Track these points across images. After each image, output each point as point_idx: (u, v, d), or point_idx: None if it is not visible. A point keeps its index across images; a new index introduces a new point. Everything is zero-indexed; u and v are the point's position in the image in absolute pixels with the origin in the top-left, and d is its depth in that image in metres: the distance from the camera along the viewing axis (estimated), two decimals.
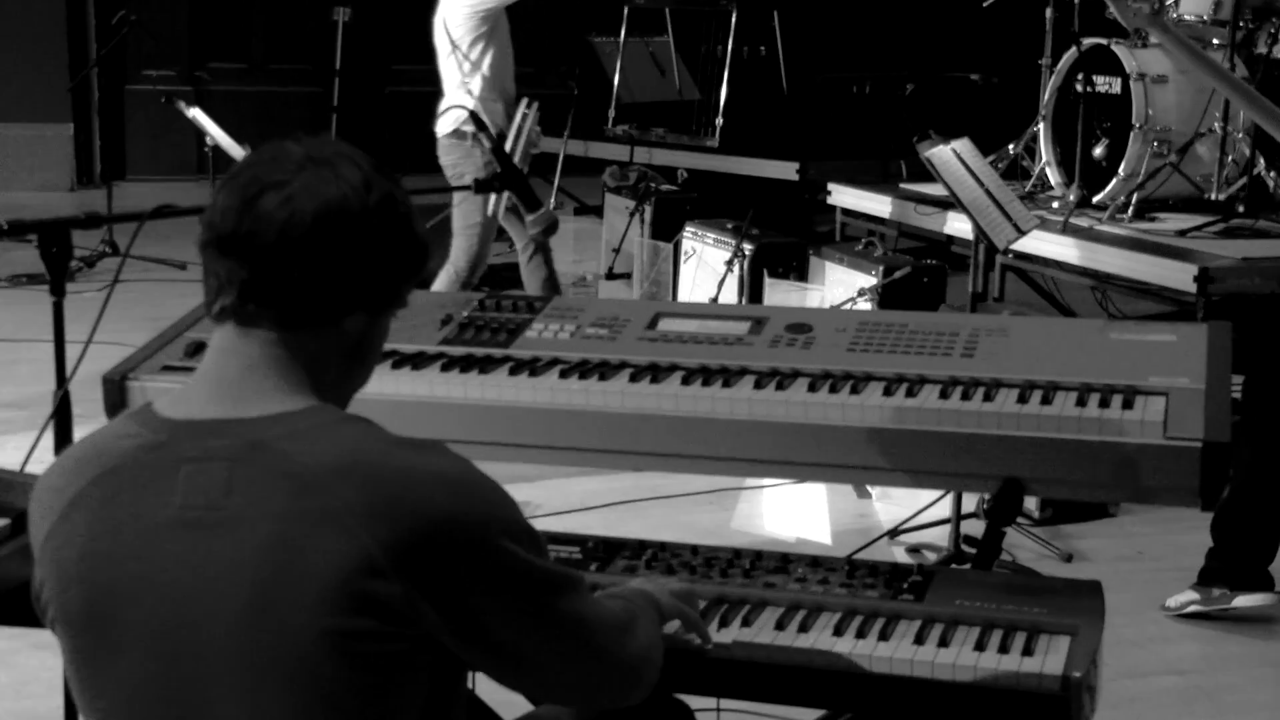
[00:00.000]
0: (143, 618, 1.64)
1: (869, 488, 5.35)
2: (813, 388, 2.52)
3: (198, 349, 2.72)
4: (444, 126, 6.40)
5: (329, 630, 1.59)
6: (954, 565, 4.57)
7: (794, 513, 5.31)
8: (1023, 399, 2.43)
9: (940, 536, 4.81)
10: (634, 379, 2.60)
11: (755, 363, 2.61)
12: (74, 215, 2.50)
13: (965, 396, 2.45)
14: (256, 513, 1.62)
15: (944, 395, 2.47)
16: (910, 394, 2.48)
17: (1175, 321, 3.00)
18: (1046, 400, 2.43)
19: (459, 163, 6.40)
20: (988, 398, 2.44)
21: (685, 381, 2.57)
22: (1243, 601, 4.29)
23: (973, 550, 4.65)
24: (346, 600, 1.59)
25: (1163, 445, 2.30)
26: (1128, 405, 2.38)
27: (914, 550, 4.83)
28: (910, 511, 5.05)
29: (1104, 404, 2.40)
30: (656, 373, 2.61)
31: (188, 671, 1.64)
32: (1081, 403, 2.40)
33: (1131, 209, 6.71)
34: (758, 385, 2.55)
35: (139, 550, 1.65)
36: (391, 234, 1.73)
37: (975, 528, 4.86)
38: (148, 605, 1.64)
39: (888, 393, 2.48)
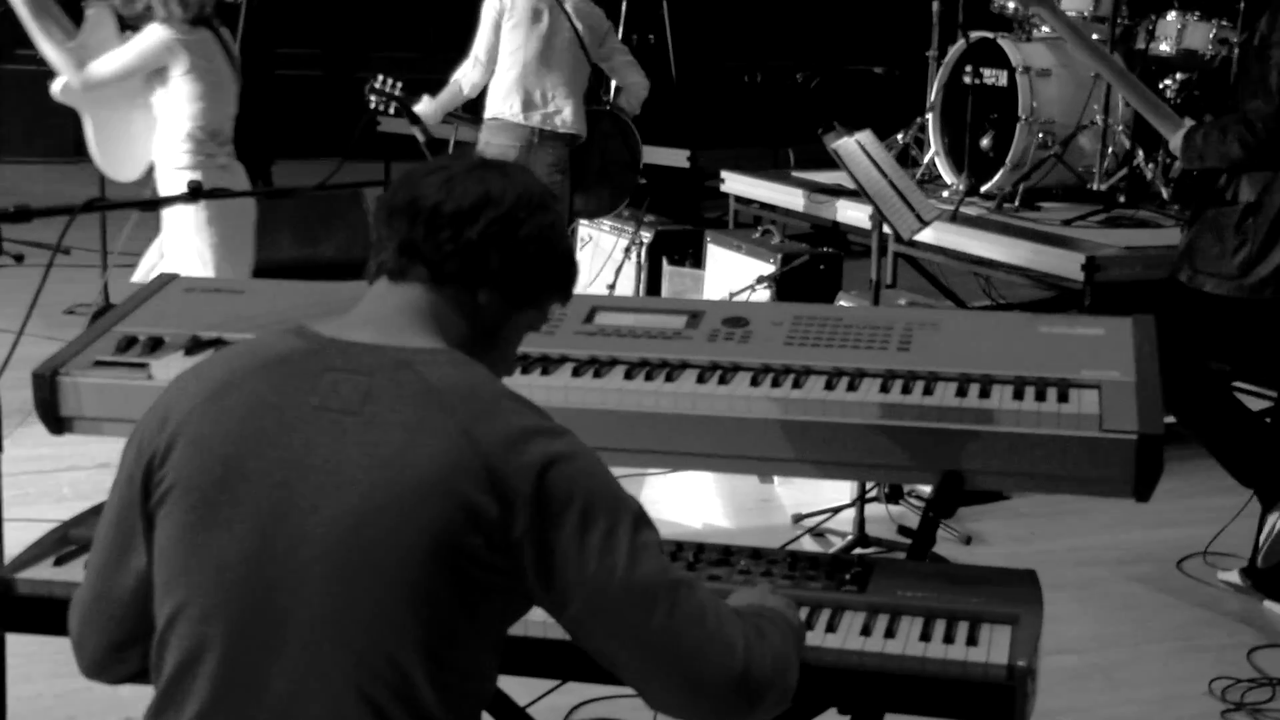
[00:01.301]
0: (262, 496, 1.76)
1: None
2: (755, 382, 2.53)
3: (129, 344, 2.66)
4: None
5: (436, 539, 1.71)
6: (859, 550, 4.62)
7: (696, 500, 5.32)
8: (961, 392, 2.45)
9: (845, 522, 4.86)
10: (576, 373, 2.58)
11: (695, 356, 2.61)
12: (3, 209, 2.43)
13: (905, 390, 2.47)
14: (386, 421, 1.76)
15: (884, 389, 2.48)
16: (851, 388, 2.49)
17: (1076, 313, 3.06)
18: (984, 394, 2.45)
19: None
20: (927, 391, 2.46)
21: (628, 375, 2.56)
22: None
23: (883, 537, 4.72)
24: (457, 513, 1.72)
25: (1099, 438, 2.33)
26: (1063, 398, 2.41)
27: (819, 535, 4.87)
28: (812, 496, 5.09)
29: (1040, 397, 2.43)
30: (598, 367, 2.59)
31: (282, 553, 1.74)
32: (1019, 396, 2.43)
33: (1019, 198, 6.82)
34: (700, 379, 2.54)
35: (276, 437, 1.78)
36: (536, 234, 1.92)
37: (876, 512, 4.94)
38: (269, 487, 1.76)
39: (829, 386, 2.49)
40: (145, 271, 5.40)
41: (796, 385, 2.51)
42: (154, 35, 5.05)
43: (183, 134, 5.13)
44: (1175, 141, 4.51)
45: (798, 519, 4.97)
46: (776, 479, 5.39)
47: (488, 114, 6.51)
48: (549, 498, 1.75)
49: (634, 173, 6.82)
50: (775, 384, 2.51)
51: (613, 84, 6.98)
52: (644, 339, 2.67)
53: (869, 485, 4.90)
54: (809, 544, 4.79)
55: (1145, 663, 4.13)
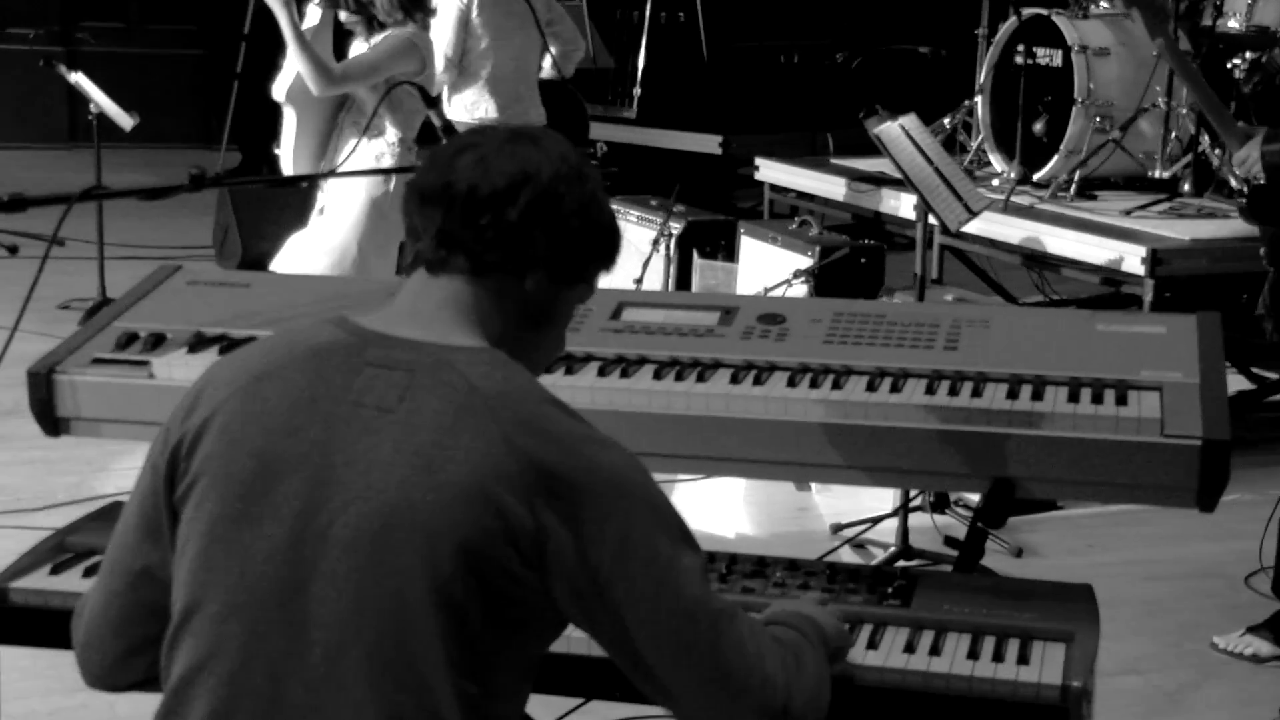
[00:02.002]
0: (292, 494, 1.79)
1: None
2: (792, 382, 2.53)
3: (130, 340, 2.68)
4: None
5: (467, 545, 1.73)
6: (903, 562, 4.61)
7: (729, 508, 5.32)
8: (1012, 394, 2.45)
9: (888, 532, 4.85)
10: (602, 373, 2.59)
11: (728, 355, 2.62)
12: None
13: (952, 392, 2.47)
14: (423, 421, 1.78)
15: (930, 390, 2.49)
16: (895, 389, 2.49)
17: (1136, 310, 3.07)
18: (1037, 395, 2.45)
19: None
20: (976, 393, 2.47)
21: (657, 375, 2.57)
22: None
23: (925, 548, 4.71)
24: (491, 520, 1.73)
25: (1161, 443, 2.33)
26: (1121, 401, 2.41)
27: (859, 546, 4.87)
28: (851, 504, 5.09)
29: (1097, 399, 2.43)
30: (626, 366, 2.61)
31: (309, 554, 1.77)
32: (1073, 398, 2.43)
33: (1074, 186, 6.79)
34: (734, 380, 2.55)
35: (310, 433, 1.81)
36: (578, 207, 1.91)
37: (922, 521, 4.93)
38: (300, 484, 1.79)
39: (871, 388, 2.50)
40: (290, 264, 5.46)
41: (837, 386, 2.51)
42: (402, 36, 5.19)
43: (395, 138, 5.28)
44: (1241, 150, 4.18)
45: (836, 529, 4.98)
46: (814, 486, 5.39)
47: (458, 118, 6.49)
48: (590, 514, 1.76)
49: (584, 148, 6.83)
50: (814, 385, 2.52)
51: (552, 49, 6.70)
52: (674, 336, 2.68)
53: (912, 493, 4.89)
54: (848, 556, 4.78)
55: (1211, 685, 4.12)
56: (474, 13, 6.36)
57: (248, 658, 1.77)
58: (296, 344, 1.89)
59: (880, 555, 4.74)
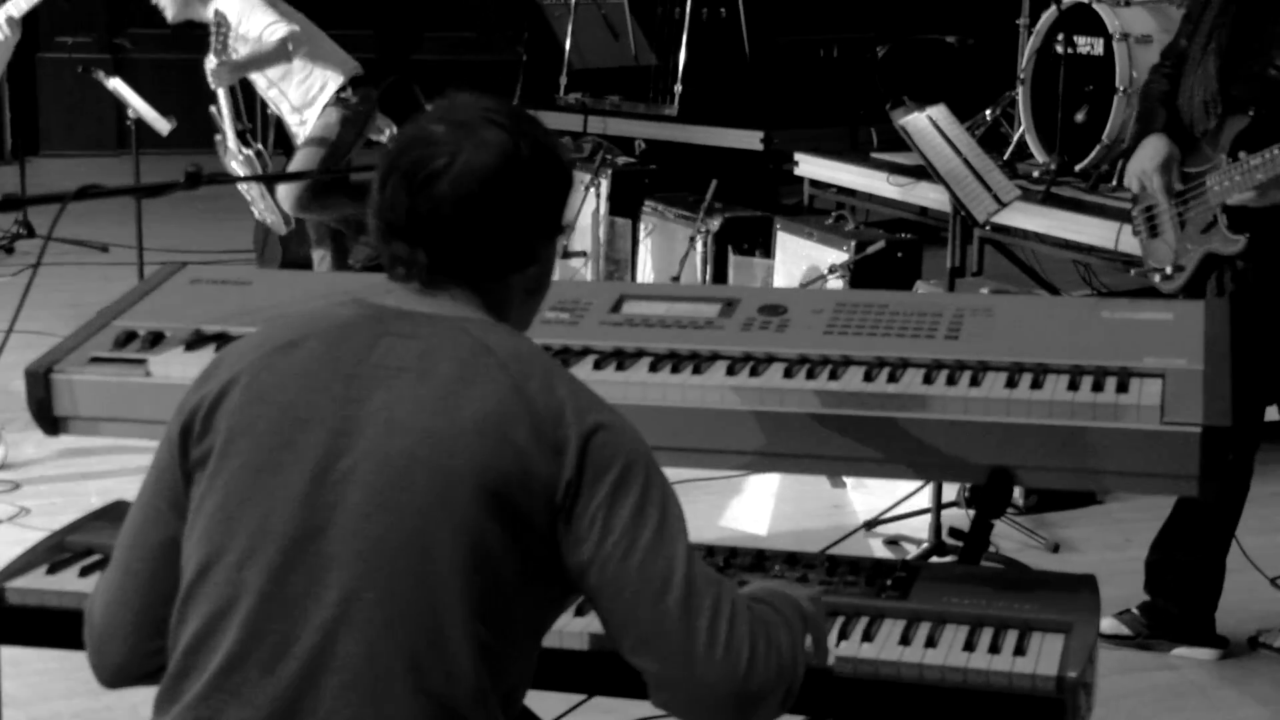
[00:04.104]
0: (317, 443, 1.86)
1: (843, 477, 5.36)
2: (789, 373, 2.53)
3: (128, 339, 2.70)
4: None
5: (484, 482, 1.81)
6: (937, 559, 4.59)
7: (763, 504, 5.31)
8: (1011, 383, 2.44)
9: (920, 528, 4.83)
10: (598, 366, 2.60)
11: (727, 347, 2.61)
12: None
13: (951, 381, 2.46)
14: (440, 373, 1.87)
15: (928, 380, 2.48)
16: (893, 379, 2.48)
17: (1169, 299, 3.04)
18: (1036, 384, 2.44)
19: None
20: (974, 382, 2.45)
21: (653, 368, 2.57)
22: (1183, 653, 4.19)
23: (957, 543, 4.68)
24: (507, 460, 1.82)
25: (1160, 431, 2.31)
26: (1122, 388, 2.40)
27: (892, 543, 4.84)
28: (887, 501, 5.06)
29: (1097, 387, 2.41)
30: (622, 359, 2.61)
31: (331, 499, 1.83)
32: (1074, 386, 2.42)
33: (1116, 177, 6.73)
34: (730, 371, 2.55)
35: (333, 388, 1.88)
36: (547, 168, 1.97)
37: (956, 518, 4.90)
38: (325, 434, 1.86)
39: (869, 378, 2.49)
40: None
41: (833, 377, 2.51)
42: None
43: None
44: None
45: (870, 525, 4.95)
46: (849, 483, 5.38)
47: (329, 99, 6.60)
48: (590, 460, 1.85)
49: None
50: (811, 375, 2.51)
51: None
52: (673, 329, 2.68)
53: (946, 488, 4.86)
54: (880, 552, 4.76)
55: (1249, 681, 4.07)
56: None
57: (265, 602, 1.82)
58: (319, 320, 1.97)
59: (914, 551, 4.72)
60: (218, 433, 1.90)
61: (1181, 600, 4.16)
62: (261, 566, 1.82)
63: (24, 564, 2.47)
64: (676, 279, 6.72)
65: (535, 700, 2.32)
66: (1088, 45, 7.02)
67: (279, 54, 6.39)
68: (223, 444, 1.89)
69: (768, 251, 6.63)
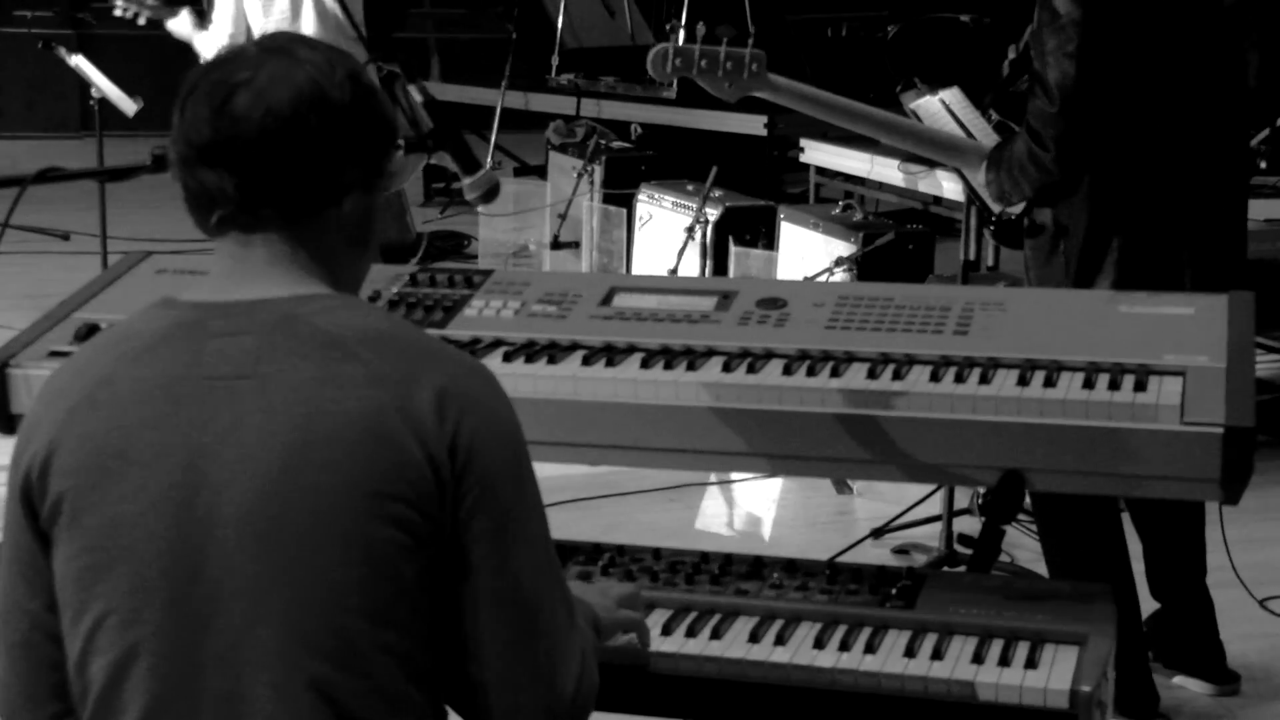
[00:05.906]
0: (165, 483, 1.81)
1: (850, 482, 5.37)
2: (788, 370, 2.54)
3: (89, 331, 2.71)
4: None
5: (360, 484, 1.78)
6: (947, 568, 4.60)
7: (766, 511, 5.33)
8: (1023, 381, 2.45)
9: (930, 536, 4.84)
10: (587, 362, 2.60)
11: (723, 342, 2.62)
12: None
13: (959, 379, 2.47)
14: (287, 379, 1.82)
15: (935, 378, 2.48)
16: (897, 376, 2.49)
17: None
18: (1050, 382, 2.44)
19: None
20: (984, 380, 2.46)
21: (645, 364, 2.58)
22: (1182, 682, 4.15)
23: (968, 551, 4.69)
24: (381, 453, 1.79)
25: (1180, 431, 2.32)
26: (1140, 387, 2.40)
27: (902, 551, 4.86)
28: (896, 508, 5.08)
29: (1114, 386, 2.42)
30: (612, 355, 2.62)
31: (200, 540, 1.79)
32: (1089, 384, 2.42)
33: None
34: (726, 368, 2.56)
35: (169, 419, 1.82)
36: (365, 108, 1.92)
37: (969, 525, 4.91)
38: (172, 470, 1.81)
39: (872, 375, 2.50)
40: None
41: (835, 374, 2.51)
42: None
43: None
44: (980, 178, 3.98)
45: (878, 533, 4.97)
46: (856, 488, 5.40)
47: None
48: (458, 446, 1.82)
49: None
50: (811, 372, 2.52)
51: None
52: (667, 323, 2.69)
53: (957, 494, 4.88)
54: (889, 561, 4.78)
55: None
56: None
57: (161, 659, 1.80)
58: (130, 340, 1.91)
59: (923, 560, 4.73)
60: (61, 492, 1.85)
61: (1183, 629, 4.15)
62: (147, 625, 1.80)
63: None
64: (674, 272, 6.73)
65: None
66: None
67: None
68: (70, 505, 1.84)
69: (770, 243, 6.65)
